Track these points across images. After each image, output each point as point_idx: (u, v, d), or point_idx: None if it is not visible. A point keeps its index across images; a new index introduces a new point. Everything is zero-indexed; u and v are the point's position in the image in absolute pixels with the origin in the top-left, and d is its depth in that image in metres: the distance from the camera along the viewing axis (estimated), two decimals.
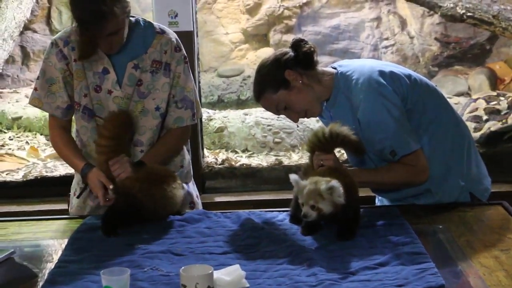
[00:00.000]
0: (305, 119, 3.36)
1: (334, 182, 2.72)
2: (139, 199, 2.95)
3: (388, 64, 3.29)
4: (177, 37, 3.28)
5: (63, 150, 3.25)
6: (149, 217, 2.99)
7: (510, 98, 5.26)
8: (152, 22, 3.28)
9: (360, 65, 3.20)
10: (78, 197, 3.25)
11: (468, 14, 5.38)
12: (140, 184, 2.96)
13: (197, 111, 3.32)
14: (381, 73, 3.10)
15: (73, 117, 3.29)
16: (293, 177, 2.78)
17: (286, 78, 3.12)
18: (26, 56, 6.49)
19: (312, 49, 3.15)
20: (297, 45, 3.16)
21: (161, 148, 3.26)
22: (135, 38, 3.18)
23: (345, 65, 3.23)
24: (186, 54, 3.29)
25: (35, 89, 3.23)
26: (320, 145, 3.00)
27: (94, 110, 3.18)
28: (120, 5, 2.99)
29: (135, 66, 3.17)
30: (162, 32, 3.23)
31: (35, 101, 3.25)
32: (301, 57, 3.13)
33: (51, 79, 3.19)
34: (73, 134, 3.32)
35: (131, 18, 3.19)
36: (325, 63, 3.44)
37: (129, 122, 3.13)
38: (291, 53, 3.15)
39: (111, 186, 3.01)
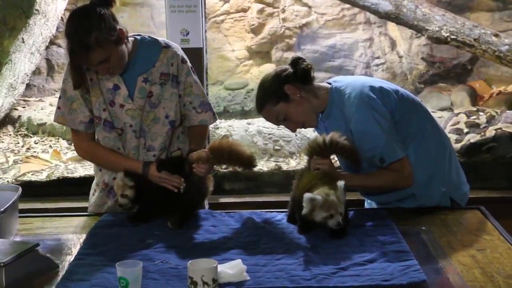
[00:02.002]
0: (303, 129, 3.37)
1: (341, 183, 2.78)
2: (195, 183, 3.03)
3: (378, 80, 3.29)
4: (181, 50, 3.26)
5: (110, 156, 3.20)
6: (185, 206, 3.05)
7: (488, 114, 5.26)
8: (156, 38, 3.25)
9: (353, 81, 3.20)
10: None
11: (452, 37, 5.38)
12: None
13: None
14: (372, 88, 3.10)
15: None
16: (308, 196, 2.73)
17: (285, 92, 3.12)
18: (51, 68, 6.49)
19: (309, 66, 3.16)
20: (296, 62, 3.17)
21: (202, 141, 3.27)
22: (142, 54, 3.16)
23: (339, 80, 3.24)
24: (190, 64, 3.27)
25: (58, 108, 3.20)
26: (319, 150, 3.01)
27: (113, 122, 3.16)
28: (105, 36, 2.93)
29: (145, 80, 3.15)
30: (167, 46, 3.21)
31: (59, 119, 3.22)
32: (299, 73, 3.14)
33: (71, 97, 3.15)
34: None
35: (136, 37, 3.18)
36: (321, 79, 3.44)
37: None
38: (290, 70, 3.16)
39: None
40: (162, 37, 3.31)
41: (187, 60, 3.25)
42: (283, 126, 3.29)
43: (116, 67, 3.08)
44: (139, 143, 3.20)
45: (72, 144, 3.37)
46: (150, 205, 3.08)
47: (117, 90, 3.14)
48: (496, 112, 5.28)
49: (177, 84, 3.20)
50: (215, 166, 3.15)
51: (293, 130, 3.29)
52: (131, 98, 3.15)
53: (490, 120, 5.17)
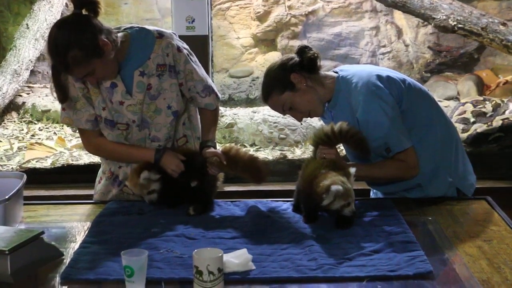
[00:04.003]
0: (309, 118, 3.36)
1: (353, 169, 2.82)
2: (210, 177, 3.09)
3: (384, 69, 3.28)
4: (175, 37, 3.19)
5: (120, 149, 3.19)
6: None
7: (494, 102, 5.26)
8: (148, 28, 3.17)
9: (359, 70, 3.19)
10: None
11: (459, 25, 5.37)
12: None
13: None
14: (379, 77, 3.10)
15: None
16: (334, 188, 2.69)
17: (291, 81, 3.12)
18: None
19: (315, 55, 3.15)
20: (302, 51, 3.16)
21: (212, 127, 3.28)
22: (135, 48, 3.09)
23: (346, 69, 3.23)
24: (188, 48, 3.22)
25: (63, 109, 3.16)
26: (326, 139, 3.01)
27: (114, 120, 3.14)
28: (84, 54, 2.84)
29: (141, 73, 3.10)
30: (161, 36, 3.13)
31: (65, 120, 3.19)
32: (306, 62, 3.13)
33: (74, 98, 3.12)
34: None
35: (127, 30, 3.11)
36: (327, 67, 3.43)
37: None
38: (297, 58, 3.15)
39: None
40: (167, 25, 3.28)
41: (184, 47, 3.19)
42: (288, 115, 3.27)
43: (106, 75, 3.04)
44: (144, 135, 3.19)
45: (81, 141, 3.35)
46: (171, 193, 3.08)
47: (114, 87, 3.10)
48: (502, 101, 5.27)
49: (176, 73, 3.16)
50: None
51: (299, 120, 3.27)
52: (129, 93, 3.11)
53: (496, 108, 5.17)
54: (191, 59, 3.19)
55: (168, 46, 3.12)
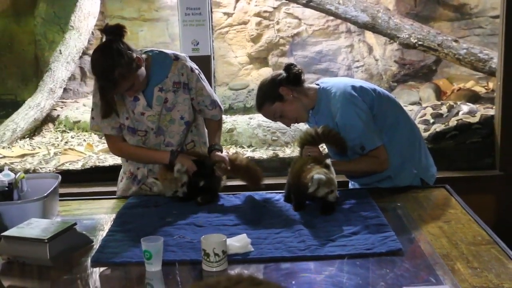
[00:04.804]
0: (296, 123, 3.36)
1: (328, 160, 2.81)
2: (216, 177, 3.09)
3: (358, 81, 3.27)
4: (188, 59, 3.20)
5: (140, 152, 3.17)
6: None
7: (448, 104, 5.27)
8: (165, 51, 3.17)
9: (337, 82, 3.19)
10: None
11: (419, 42, 5.39)
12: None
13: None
14: (353, 87, 3.10)
15: None
16: (317, 177, 2.69)
17: (280, 93, 3.11)
18: (84, 74, 6.47)
19: (300, 70, 3.15)
20: (289, 67, 3.16)
21: (217, 133, 3.28)
22: (156, 68, 3.09)
23: (326, 82, 3.23)
24: (198, 68, 3.22)
25: (92, 118, 3.16)
26: (311, 139, 3.01)
27: (135, 127, 3.12)
28: (126, 69, 2.88)
29: (160, 89, 3.09)
30: (177, 58, 3.14)
31: (94, 127, 3.19)
32: (292, 77, 3.13)
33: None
34: None
35: (148, 53, 3.11)
36: (311, 80, 3.43)
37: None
38: (284, 74, 3.14)
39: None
40: (176, 47, 3.28)
41: (195, 67, 3.20)
42: (279, 122, 3.26)
43: (140, 88, 3.05)
44: (159, 141, 3.18)
45: (106, 144, 3.33)
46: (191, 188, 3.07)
47: (137, 101, 3.10)
48: (456, 103, 5.30)
49: (189, 90, 3.15)
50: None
51: (288, 125, 3.27)
52: (149, 106, 3.10)
53: (450, 109, 5.20)
54: (201, 78, 3.19)
55: (183, 67, 3.13)
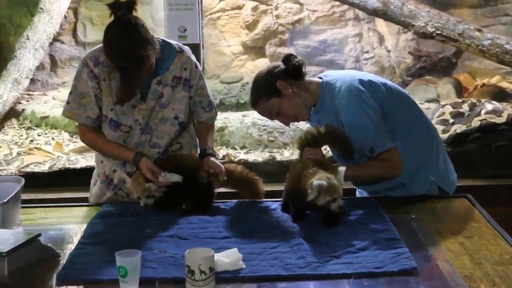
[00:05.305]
0: (296, 122, 3.35)
1: (342, 168, 2.78)
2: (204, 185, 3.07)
3: (367, 74, 3.28)
4: (192, 53, 3.23)
5: (107, 146, 3.18)
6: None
7: (470, 102, 5.27)
8: (169, 41, 3.20)
9: (342, 75, 3.20)
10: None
11: (437, 32, 5.39)
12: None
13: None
14: (361, 81, 3.09)
15: None
16: (316, 183, 2.67)
17: (278, 88, 3.12)
18: (54, 63, 6.49)
19: (300, 62, 3.15)
20: (288, 59, 3.16)
21: (210, 136, 3.29)
22: (158, 58, 3.08)
23: (330, 75, 3.23)
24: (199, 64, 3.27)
25: (68, 102, 3.17)
26: (313, 140, 3.01)
27: (119, 121, 3.12)
28: (152, 47, 2.93)
29: (158, 82, 3.11)
30: (182, 51, 3.17)
31: (67, 113, 3.20)
32: (291, 69, 3.13)
33: (82, 93, 3.11)
34: None
35: None
36: (313, 73, 3.43)
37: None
38: (282, 66, 3.15)
39: (162, 174, 3.01)
40: (160, 34, 3.28)
41: (199, 64, 3.23)
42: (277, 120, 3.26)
43: (149, 74, 3.06)
44: (145, 140, 3.17)
45: (76, 135, 3.34)
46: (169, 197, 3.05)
47: None
48: (479, 101, 5.29)
49: (189, 87, 3.17)
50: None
51: (287, 124, 3.28)
52: (143, 99, 3.11)
53: (473, 107, 5.19)
54: (203, 76, 3.24)
55: (187, 61, 3.16)
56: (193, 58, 3.20)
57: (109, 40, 2.92)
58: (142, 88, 3.10)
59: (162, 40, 3.18)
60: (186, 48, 3.21)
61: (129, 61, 2.91)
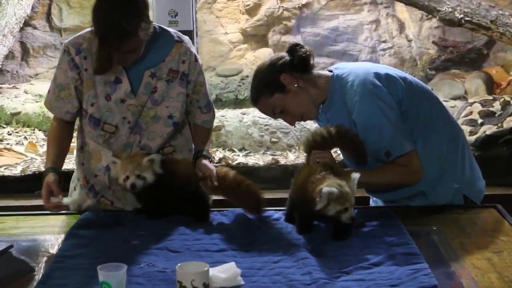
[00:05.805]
0: (302, 121, 3.36)
1: (356, 175, 2.79)
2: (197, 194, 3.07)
3: (384, 67, 3.28)
4: (192, 44, 3.25)
5: (50, 143, 3.27)
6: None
7: (502, 99, 5.26)
8: (166, 28, 3.22)
9: (356, 68, 3.20)
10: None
11: (466, 18, 5.36)
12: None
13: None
14: (377, 75, 3.10)
15: None
16: (326, 190, 2.68)
17: (281, 82, 3.11)
18: (26, 52, 6.48)
19: (307, 53, 3.14)
20: (293, 49, 3.16)
21: (206, 139, 3.30)
22: (152, 47, 3.12)
23: (341, 67, 3.23)
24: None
25: (49, 91, 3.22)
26: (322, 142, 3.02)
27: (101, 118, 3.15)
28: (143, 26, 2.94)
29: (152, 75, 3.12)
30: (181, 41, 3.18)
31: (47, 104, 3.25)
32: (297, 61, 3.13)
33: (61, 85, 3.16)
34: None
35: None
36: (323, 65, 3.45)
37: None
38: (287, 57, 3.15)
39: (60, 197, 3.08)
40: None
41: (199, 57, 3.25)
42: (280, 119, 3.28)
43: (134, 59, 3.08)
44: (133, 141, 3.18)
45: None
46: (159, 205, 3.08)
47: (118, 83, 3.12)
48: None
49: (187, 83, 3.18)
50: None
51: (292, 123, 3.27)
52: (134, 93, 3.13)
53: (505, 106, 5.18)
54: (203, 71, 3.26)
55: (186, 53, 3.17)
56: (193, 50, 3.21)
57: (100, 7, 2.95)
58: (133, 78, 3.11)
59: (159, 26, 3.19)
60: (186, 38, 3.22)
61: (109, 32, 2.93)
